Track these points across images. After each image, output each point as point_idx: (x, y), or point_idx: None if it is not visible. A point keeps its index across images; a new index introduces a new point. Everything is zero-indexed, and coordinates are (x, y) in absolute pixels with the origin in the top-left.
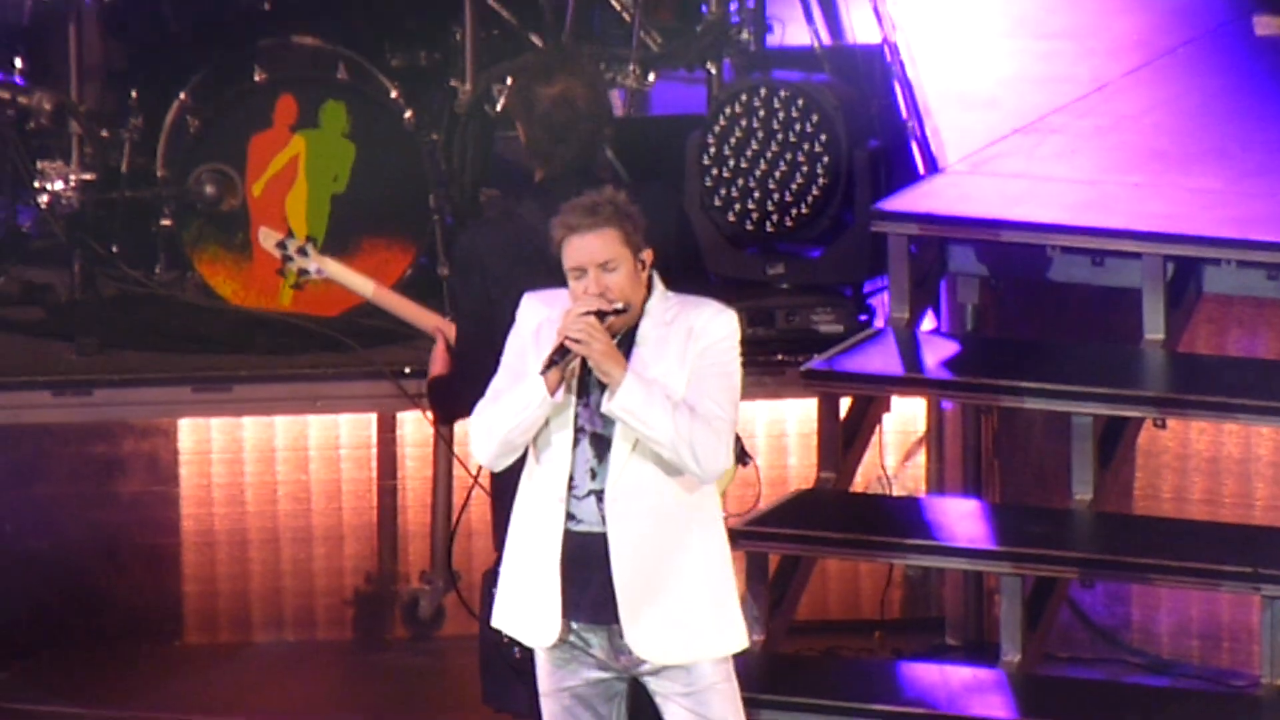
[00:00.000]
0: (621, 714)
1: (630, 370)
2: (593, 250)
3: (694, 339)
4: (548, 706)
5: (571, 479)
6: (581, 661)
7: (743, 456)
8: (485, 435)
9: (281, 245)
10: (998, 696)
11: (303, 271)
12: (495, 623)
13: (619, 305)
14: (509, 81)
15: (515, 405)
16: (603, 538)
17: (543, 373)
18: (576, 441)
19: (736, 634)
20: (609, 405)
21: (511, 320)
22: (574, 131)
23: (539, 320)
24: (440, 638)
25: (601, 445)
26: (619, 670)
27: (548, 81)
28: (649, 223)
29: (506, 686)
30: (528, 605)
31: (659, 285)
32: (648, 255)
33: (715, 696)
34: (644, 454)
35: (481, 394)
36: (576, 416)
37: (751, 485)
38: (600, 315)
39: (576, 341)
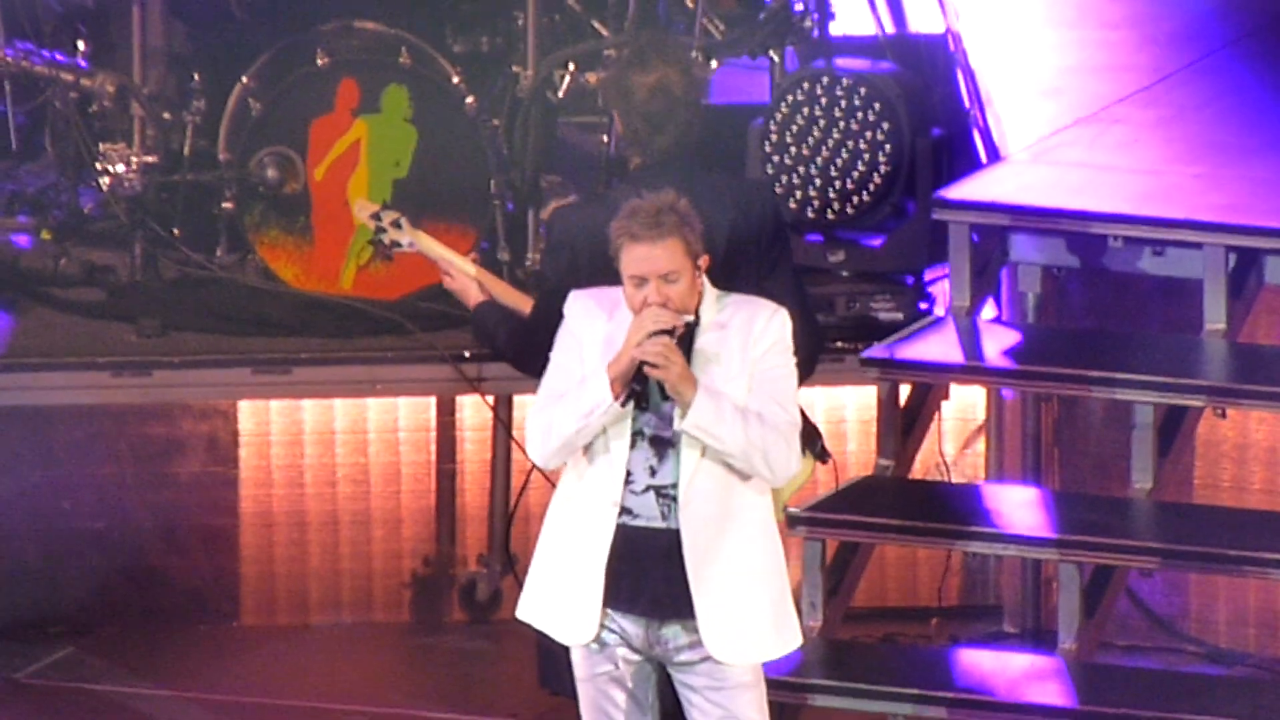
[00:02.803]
0: (653, 694)
1: (702, 388)
2: (656, 261)
3: (752, 343)
4: (585, 691)
5: (629, 474)
6: (618, 647)
7: (822, 454)
8: (545, 434)
9: (376, 217)
10: (1055, 684)
11: (395, 244)
12: (522, 613)
13: (689, 318)
14: (595, 72)
15: (580, 409)
16: (662, 533)
17: (622, 404)
18: (634, 443)
19: (793, 634)
20: (682, 424)
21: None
22: (672, 120)
23: (593, 321)
24: (497, 621)
25: (661, 445)
26: (653, 657)
27: (644, 70)
28: (740, 217)
29: (563, 670)
30: (565, 601)
31: (709, 287)
32: (704, 261)
33: (744, 695)
34: (714, 456)
35: (531, 358)
36: (635, 419)
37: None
38: (669, 332)
39: (655, 366)
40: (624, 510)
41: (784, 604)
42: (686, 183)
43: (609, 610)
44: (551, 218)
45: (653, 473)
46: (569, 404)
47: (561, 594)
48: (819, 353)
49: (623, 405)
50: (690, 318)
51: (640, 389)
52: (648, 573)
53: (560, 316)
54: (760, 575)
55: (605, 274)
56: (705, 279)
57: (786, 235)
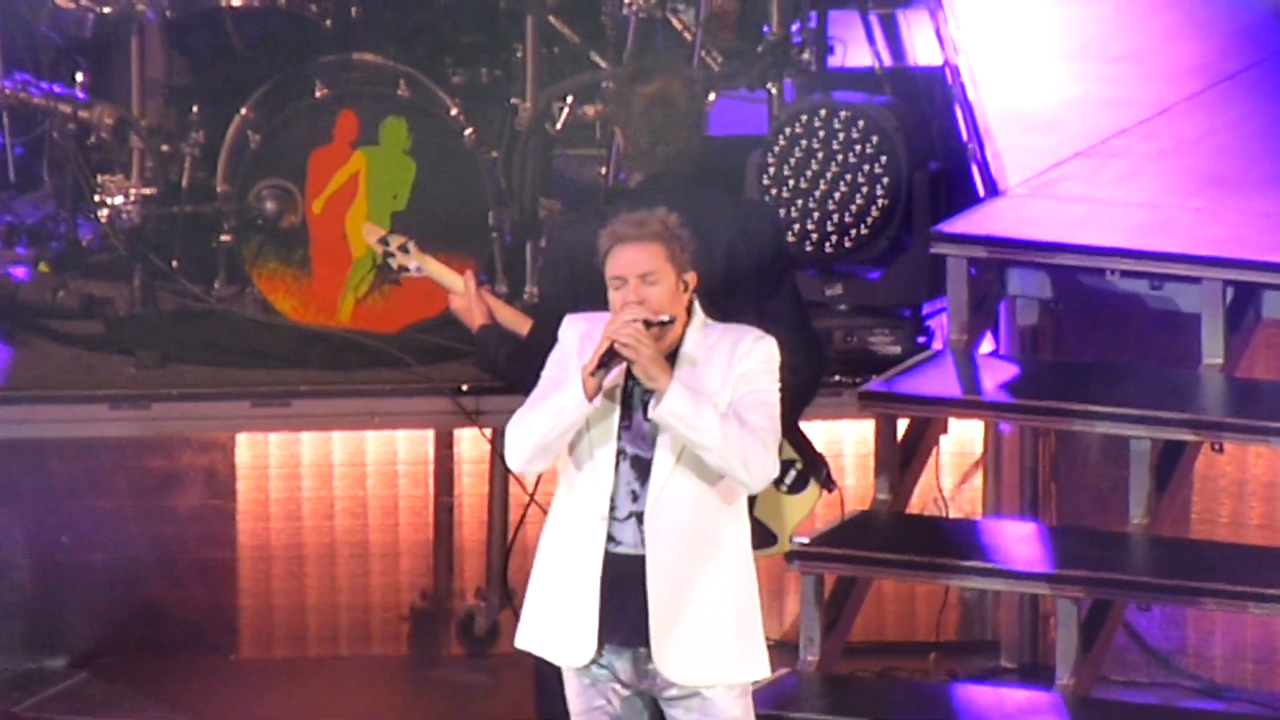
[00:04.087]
0: None
1: (676, 378)
2: (636, 261)
3: (736, 362)
4: None
5: (613, 501)
6: (609, 682)
7: (828, 483)
8: (521, 437)
9: (384, 241)
10: (1052, 719)
11: (402, 269)
12: (520, 642)
13: (665, 317)
14: (594, 104)
15: (553, 408)
16: (640, 560)
17: (592, 373)
18: (618, 464)
19: (759, 662)
20: (656, 411)
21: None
22: (673, 131)
23: (580, 334)
24: (495, 654)
25: (643, 468)
26: (643, 691)
27: (645, 81)
28: (740, 236)
29: (561, 703)
30: (562, 625)
31: (699, 312)
32: (691, 278)
33: None
34: (683, 475)
35: (533, 374)
36: (619, 438)
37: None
38: (646, 324)
39: (625, 345)
40: (610, 538)
41: (751, 629)
42: (687, 200)
43: (603, 643)
44: (550, 234)
45: (635, 498)
46: (544, 406)
47: (557, 619)
48: (820, 375)
49: (591, 374)
50: (667, 317)
51: (606, 362)
52: (626, 601)
53: (558, 329)
54: (726, 598)
55: (604, 290)
56: (697, 305)
57: (789, 256)
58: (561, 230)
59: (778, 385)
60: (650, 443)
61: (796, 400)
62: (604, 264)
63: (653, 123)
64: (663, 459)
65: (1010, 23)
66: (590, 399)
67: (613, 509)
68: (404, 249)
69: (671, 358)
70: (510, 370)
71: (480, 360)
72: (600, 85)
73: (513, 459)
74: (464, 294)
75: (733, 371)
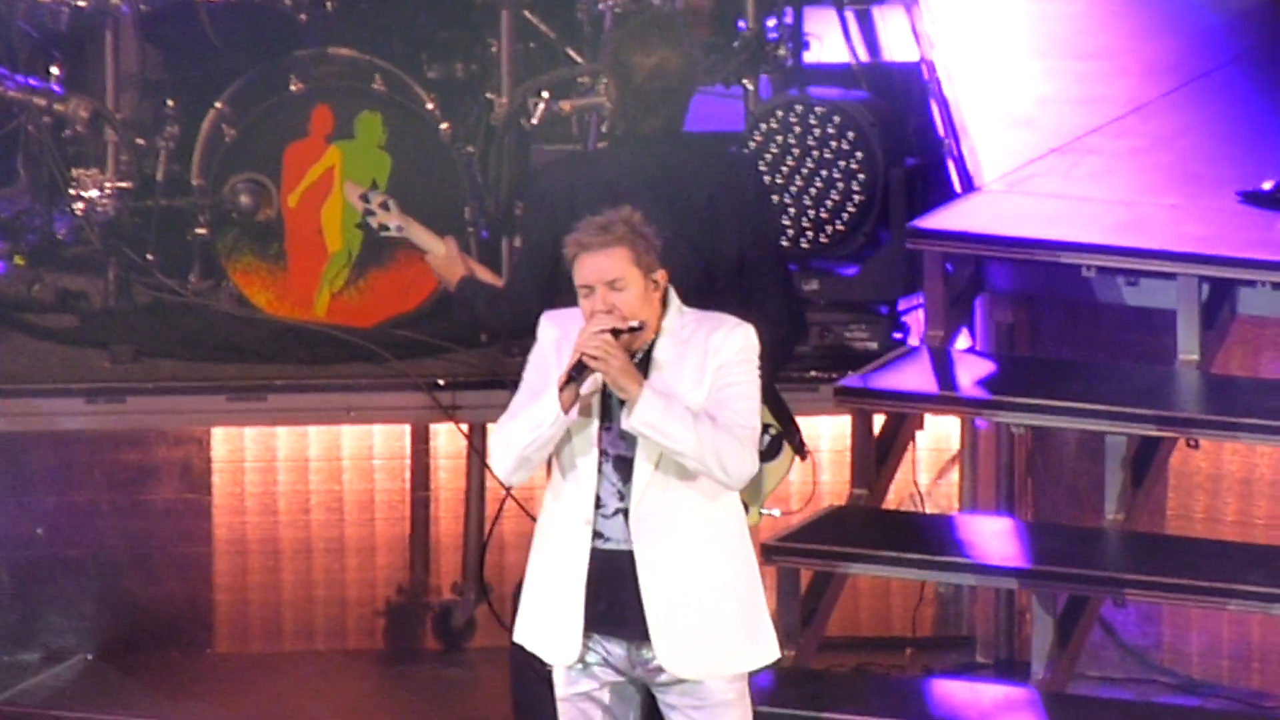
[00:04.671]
0: (636, 717)
1: (648, 385)
2: (601, 268)
3: (710, 356)
4: (564, 711)
5: (599, 499)
6: (602, 667)
7: (800, 449)
8: (503, 450)
9: (365, 198)
10: (1028, 715)
11: (383, 227)
12: (517, 638)
13: (633, 323)
14: (570, 100)
15: (530, 422)
16: (630, 555)
17: (561, 389)
18: (601, 465)
19: (765, 649)
20: (629, 422)
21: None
22: (666, 102)
23: (555, 339)
24: (471, 649)
25: (625, 467)
26: (635, 678)
27: (646, 52)
28: (722, 184)
29: (538, 699)
30: (550, 623)
31: (675, 303)
32: (660, 275)
33: (726, 713)
34: (666, 472)
35: (512, 317)
36: (600, 439)
37: (786, 498)
38: (615, 333)
39: (594, 359)
40: (597, 534)
41: (754, 617)
42: (673, 150)
43: (593, 634)
44: (536, 173)
45: (621, 496)
46: (523, 418)
47: (546, 617)
48: (800, 329)
49: (561, 390)
50: (636, 323)
51: (575, 376)
52: (619, 595)
53: (544, 270)
54: (724, 588)
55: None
56: (673, 297)
57: (769, 205)
58: (542, 173)
59: (756, 374)
60: (631, 443)
61: (775, 358)
62: (570, 271)
63: (649, 95)
64: (644, 459)
65: (986, 19)
66: (565, 411)
67: (600, 506)
68: (385, 206)
69: (648, 356)
70: (489, 314)
71: (460, 312)
72: (576, 81)
73: (498, 469)
74: (442, 255)
75: (708, 365)
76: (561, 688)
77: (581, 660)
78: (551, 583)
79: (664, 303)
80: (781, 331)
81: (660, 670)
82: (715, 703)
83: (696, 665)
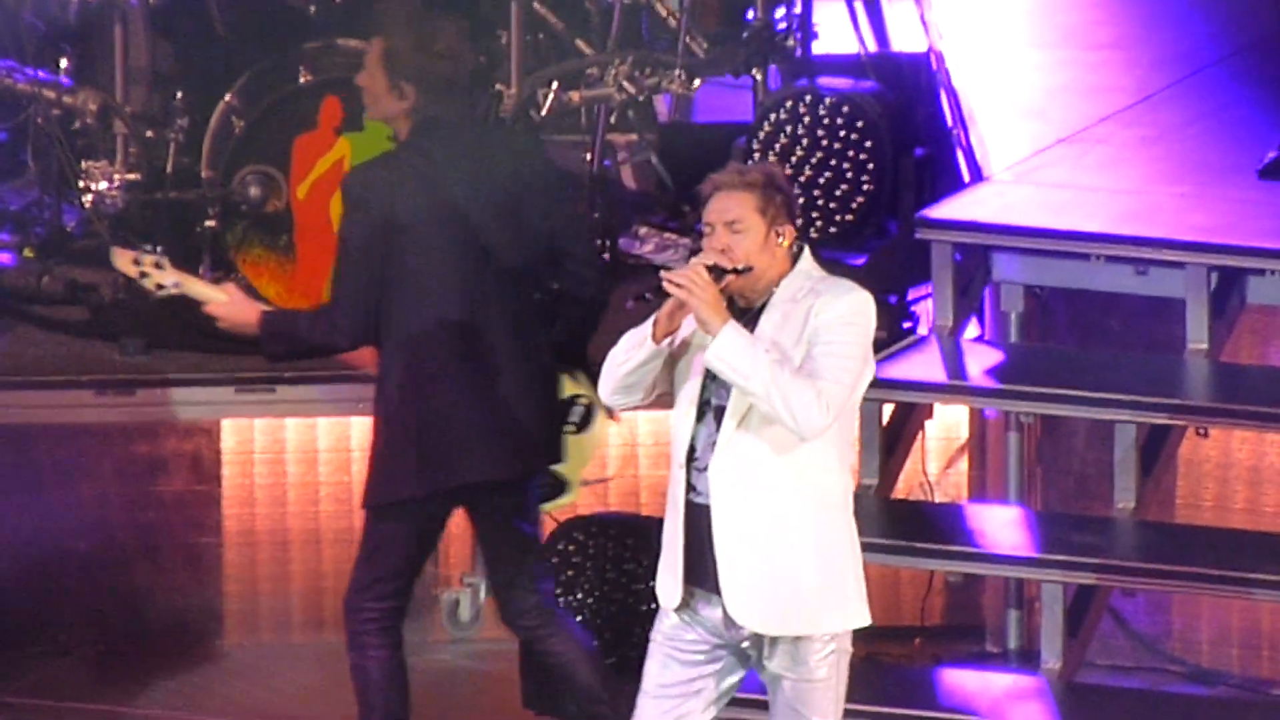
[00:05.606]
0: (721, 688)
1: (731, 323)
2: (725, 208)
3: (814, 316)
4: (651, 650)
5: (694, 452)
6: (696, 624)
7: (611, 412)
8: (606, 369)
9: (137, 262)
10: (1038, 704)
11: (159, 286)
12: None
13: (739, 265)
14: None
15: (628, 344)
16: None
17: (638, 298)
18: (701, 415)
19: (846, 613)
20: (707, 355)
21: (402, 257)
22: (464, 90)
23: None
24: (481, 640)
25: (723, 419)
26: (729, 641)
27: (435, 40)
28: (523, 164)
29: (547, 689)
30: (664, 567)
31: (804, 266)
32: (787, 231)
33: (817, 691)
34: (751, 427)
35: (348, 327)
36: (705, 389)
37: None
38: (719, 272)
39: (678, 286)
40: (691, 487)
41: (837, 581)
42: (472, 136)
43: (692, 587)
44: (346, 180)
45: (714, 449)
46: (623, 341)
47: (663, 559)
48: (602, 294)
49: (657, 341)
50: (743, 266)
51: (648, 297)
52: (705, 550)
53: (373, 275)
54: (802, 548)
55: (398, 232)
56: (806, 257)
57: (560, 175)
58: (358, 178)
59: (858, 341)
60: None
61: (585, 323)
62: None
63: (449, 83)
64: (732, 413)
65: (993, 9)
66: (657, 341)
67: (694, 459)
68: (158, 265)
69: (761, 310)
70: (314, 334)
71: (272, 346)
72: (584, 72)
73: (600, 389)
74: (226, 301)
75: (810, 324)
76: (657, 629)
77: (687, 609)
78: (667, 529)
79: (794, 263)
80: (589, 291)
81: (752, 637)
82: (807, 676)
83: (765, 619)
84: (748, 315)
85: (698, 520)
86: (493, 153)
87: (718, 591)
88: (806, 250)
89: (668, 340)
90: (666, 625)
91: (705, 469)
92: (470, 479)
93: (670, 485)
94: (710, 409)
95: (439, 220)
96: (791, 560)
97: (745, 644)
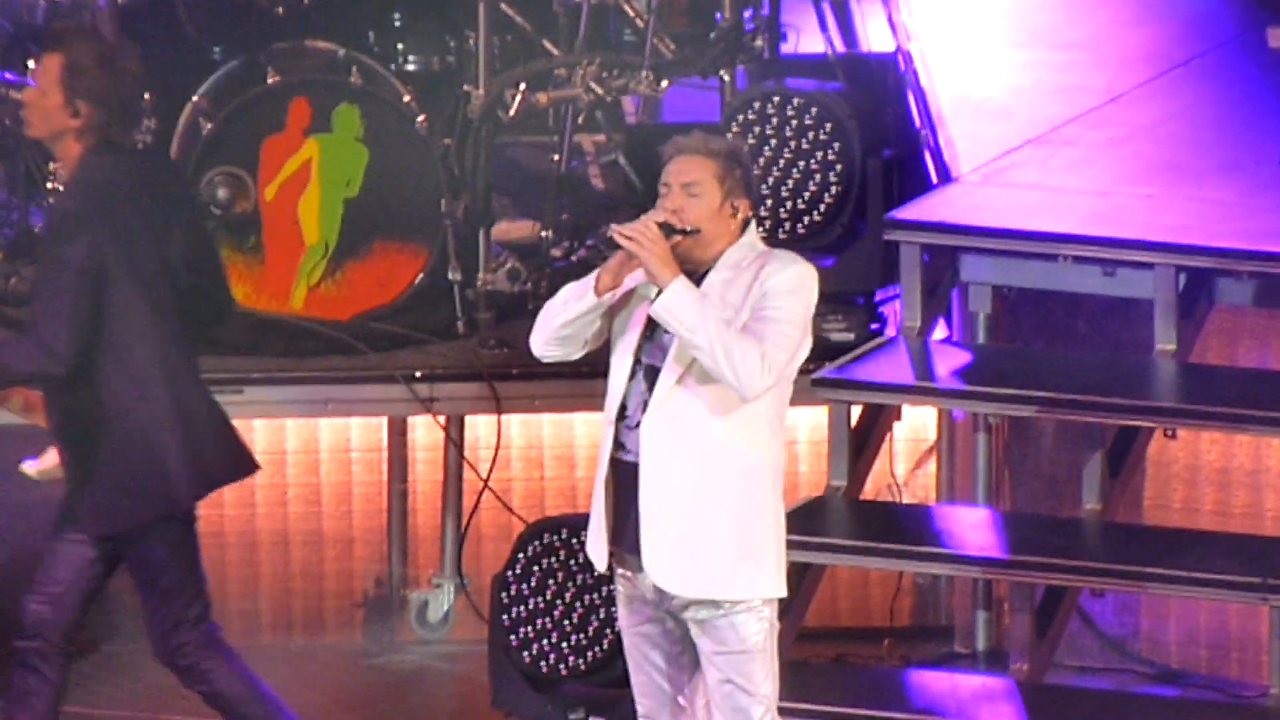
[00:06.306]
0: (690, 655)
1: (681, 278)
2: (682, 170)
3: (758, 284)
4: (625, 640)
5: (625, 409)
6: (641, 601)
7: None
8: (540, 321)
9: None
10: (1006, 705)
11: None
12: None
13: (688, 227)
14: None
15: (566, 295)
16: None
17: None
18: (634, 373)
19: (763, 583)
20: (654, 307)
21: (110, 282)
22: (137, 98)
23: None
24: (449, 641)
25: (655, 378)
26: (669, 611)
27: (125, 56)
28: (174, 184)
29: (516, 690)
30: (592, 526)
31: (749, 239)
32: (742, 205)
33: (750, 662)
34: (687, 388)
35: (66, 352)
36: (639, 348)
37: None
38: (668, 231)
39: (629, 239)
40: (620, 445)
41: (758, 550)
42: (138, 160)
43: (617, 547)
44: (60, 208)
45: (645, 407)
46: (563, 292)
47: (592, 520)
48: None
49: (599, 293)
50: (691, 228)
51: (599, 245)
52: (631, 509)
53: (91, 298)
54: (728, 515)
55: (106, 257)
56: (752, 231)
57: (194, 200)
58: (69, 202)
59: (799, 310)
60: (665, 350)
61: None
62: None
63: (131, 93)
64: (669, 371)
65: (962, 9)
66: (600, 294)
67: (624, 417)
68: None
69: (704, 277)
70: (28, 364)
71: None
72: (553, 73)
73: (532, 341)
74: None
75: (754, 291)
76: (620, 619)
77: (625, 584)
78: (596, 488)
79: (738, 234)
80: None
81: (678, 600)
82: (736, 648)
83: (681, 581)
84: (691, 280)
85: (624, 479)
86: (155, 176)
87: (634, 550)
88: (752, 225)
89: (610, 294)
90: (627, 618)
91: (635, 427)
92: (220, 479)
93: (601, 442)
94: (642, 367)
95: (135, 245)
96: (712, 524)
97: (684, 612)
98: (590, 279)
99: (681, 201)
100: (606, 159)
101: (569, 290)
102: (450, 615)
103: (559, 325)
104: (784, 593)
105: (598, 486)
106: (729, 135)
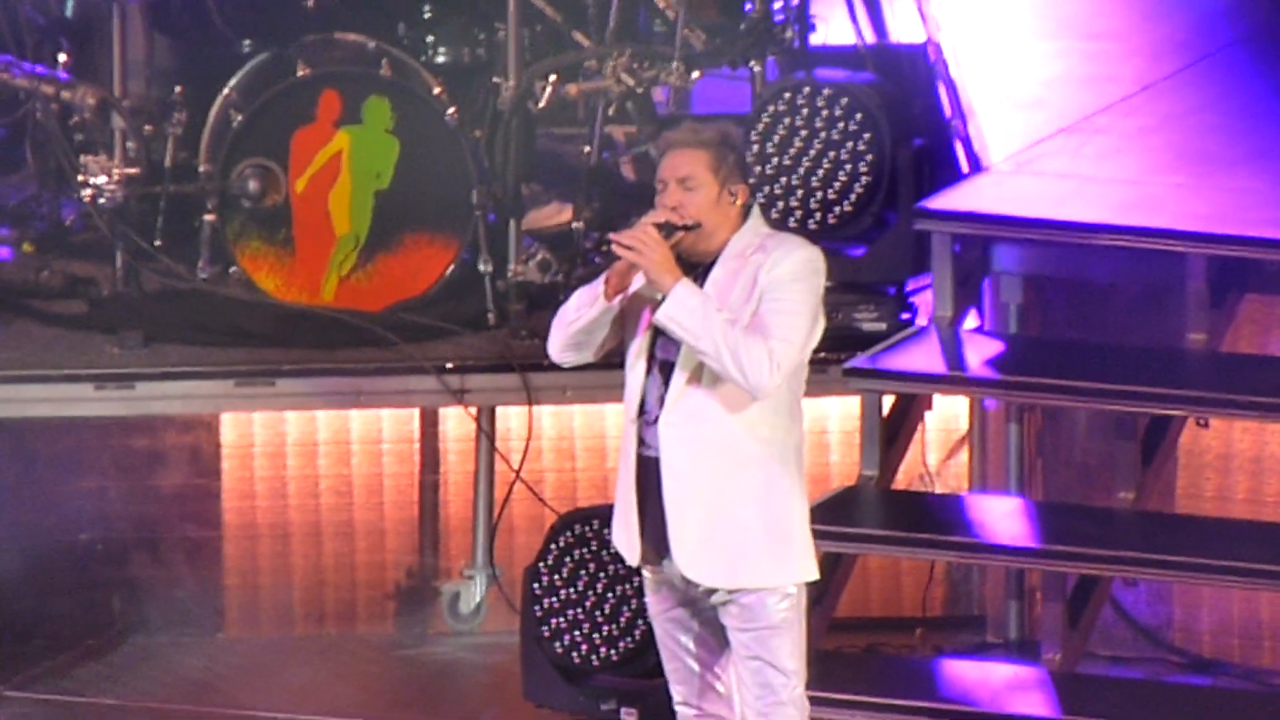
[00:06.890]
0: (721, 637)
1: (683, 282)
2: (676, 165)
3: (764, 272)
4: (656, 628)
5: (644, 406)
6: (669, 587)
7: None
8: (555, 327)
9: None
10: (1039, 694)
11: None
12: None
13: (689, 222)
14: (576, 83)
15: (578, 301)
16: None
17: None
18: (649, 370)
19: (797, 568)
20: (657, 315)
21: None
22: None
23: None
24: (481, 632)
25: (670, 373)
26: (697, 596)
27: None
28: None
29: (547, 682)
30: (621, 524)
31: (753, 223)
32: (740, 190)
33: (776, 637)
34: (703, 382)
35: None
36: (653, 345)
37: None
38: (669, 230)
39: (627, 248)
40: (641, 441)
41: (785, 536)
42: None
43: (647, 545)
44: None
45: (663, 403)
46: (574, 298)
47: (619, 517)
48: None
49: (608, 299)
50: (692, 222)
51: (594, 254)
52: (657, 504)
53: None
54: (753, 504)
55: None
56: (755, 215)
57: None
58: None
59: (807, 297)
60: (678, 345)
61: None
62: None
63: None
64: (682, 367)
65: (992, 0)
66: (608, 299)
67: (644, 413)
68: None
69: (710, 266)
70: None
71: None
72: (583, 65)
73: (549, 347)
74: None
75: (760, 280)
76: (649, 605)
77: (653, 572)
78: (620, 485)
79: (740, 220)
80: None
81: (706, 589)
82: (763, 625)
83: (713, 573)
84: (697, 272)
85: (648, 474)
86: None
87: (661, 542)
88: (756, 208)
89: (620, 298)
90: (655, 605)
91: (655, 422)
92: None
93: (623, 439)
94: (656, 363)
95: None
96: (738, 514)
97: (713, 595)
98: (599, 283)
99: (679, 197)
100: (637, 150)
101: (580, 296)
102: (482, 606)
103: (574, 331)
104: (815, 574)
105: (621, 482)
106: (756, 147)
